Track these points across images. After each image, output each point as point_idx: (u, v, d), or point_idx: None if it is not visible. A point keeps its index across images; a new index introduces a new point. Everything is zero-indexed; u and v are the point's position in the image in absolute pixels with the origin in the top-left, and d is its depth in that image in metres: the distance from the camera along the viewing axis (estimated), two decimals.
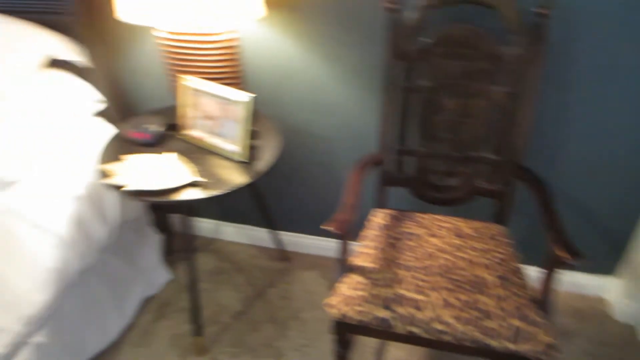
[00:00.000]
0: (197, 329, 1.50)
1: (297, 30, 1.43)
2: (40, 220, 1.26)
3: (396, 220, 1.38)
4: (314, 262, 1.88)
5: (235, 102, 1.24)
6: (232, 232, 1.99)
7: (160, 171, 1.23)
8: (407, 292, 1.15)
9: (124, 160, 1.28)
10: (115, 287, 1.57)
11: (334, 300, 1.18)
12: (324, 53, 1.45)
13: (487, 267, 1.21)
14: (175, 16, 1.14)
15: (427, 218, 1.39)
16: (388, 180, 1.42)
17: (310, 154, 1.68)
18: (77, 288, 1.43)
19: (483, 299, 1.12)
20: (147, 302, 1.72)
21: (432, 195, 1.41)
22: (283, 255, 1.88)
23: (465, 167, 1.35)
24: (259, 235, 1.96)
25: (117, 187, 1.17)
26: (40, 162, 1.30)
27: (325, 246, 1.89)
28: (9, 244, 1.18)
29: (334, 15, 1.38)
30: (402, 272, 1.20)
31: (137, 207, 1.61)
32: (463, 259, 1.24)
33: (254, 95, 1.22)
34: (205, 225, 2.01)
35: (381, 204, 1.46)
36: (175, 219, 2.00)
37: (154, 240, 1.76)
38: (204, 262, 1.90)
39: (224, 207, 1.94)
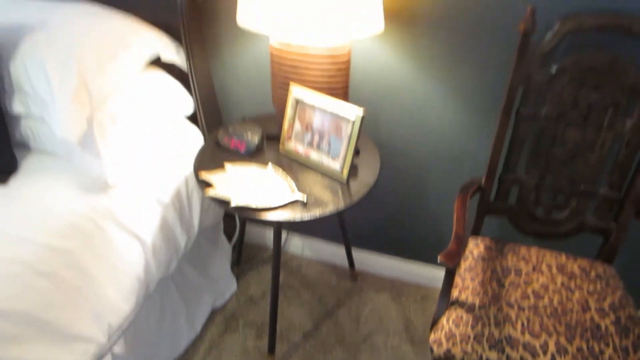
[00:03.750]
0: (272, 347, 1.45)
1: (411, 47, 1.37)
2: (131, 225, 1.22)
3: (496, 251, 1.30)
4: (384, 283, 1.81)
5: (344, 118, 1.19)
6: (298, 245, 1.93)
7: (261, 185, 1.18)
8: (518, 334, 1.08)
9: (222, 170, 1.23)
10: (188, 296, 1.53)
11: (436, 334, 1.12)
12: (436, 72, 1.39)
13: (600, 311, 1.13)
14: (293, 26, 1.10)
15: (529, 252, 1.31)
16: (489, 208, 1.34)
17: (399, 173, 1.61)
18: (154, 296, 1.39)
19: (602, 348, 1.05)
20: (214, 313, 1.67)
21: (534, 227, 1.34)
22: (353, 274, 1.82)
23: (575, 201, 1.27)
24: (326, 250, 1.89)
25: (221, 201, 1.12)
26: (132, 164, 1.27)
27: (398, 267, 1.82)
28: (105, 248, 1.14)
29: (455, 35, 1.32)
30: (509, 311, 1.13)
31: (216, 216, 1.57)
32: (572, 300, 1.16)
33: (363, 110, 1.16)
34: (271, 235, 1.96)
35: (476, 232, 1.39)
36: (249, 227, 1.95)
37: (225, 249, 1.71)
38: (270, 275, 1.85)
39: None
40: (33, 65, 1.14)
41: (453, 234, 1.16)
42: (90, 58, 1.17)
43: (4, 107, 1.19)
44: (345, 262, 1.89)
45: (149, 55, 1.34)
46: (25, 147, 1.27)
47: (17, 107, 1.19)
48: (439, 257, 1.06)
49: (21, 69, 1.15)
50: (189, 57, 1.44)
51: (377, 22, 1.18)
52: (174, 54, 1.43)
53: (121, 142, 1.25)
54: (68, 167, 1.21)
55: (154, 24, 1.46)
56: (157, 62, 1.44)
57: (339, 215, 1.61)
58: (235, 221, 1.83)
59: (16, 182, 1.13)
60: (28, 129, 1.22)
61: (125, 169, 1.23)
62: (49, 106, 1.13)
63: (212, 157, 1.32)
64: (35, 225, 1.03)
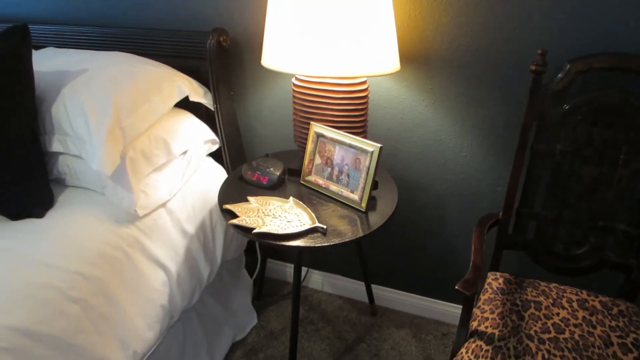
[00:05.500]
0: None
1: (426, 86, 1.44)
2: (157, 254, 1.27)
3: (516, 285, 1.30)
4: (404, 319, 1.81)
5: (363, 151, 1.24)
6: (318, 281, 1.95)
7: (282, 215, 1.23)
8: None
9: (245, 202, 1.29)
10: (210, 329, 1.55)
11: None
12: (451, 109, 1.44)
13: (623, 346, 1.12)
14: (315, 62, 1.18)
15: (549, 287, 1.31)
16: (507, 242, 1.35)
17: (417, 209, 1.65)
18: (177, 326, 1.42)
19: None
20: (234, 346, 1.69)
21: (553, 263, 1.33)
22: (372, 309, 1.82)
23: (594, 237, 1.28)
24: (346, 286, 1.91)
25: (243, 228, 1.17)
26: (159, 197, 1.33)
27: (418, 304, 1.81)
28: (133, 276, 1.19)
29: (469, 74, 1.38)
30: (529, 343, 1.12)
31: (238, 249, 1.61)
32: (594, 335, 1.15)
33: (380, 145, 1.21)
34: (291, 271, 1.99)
35: (495, 267, 1.39)
36: (270, 263, 1.99)
37: (247, 283, 1.74)
38: (290, 310, 1.86)
39: (315, 253, 1.91)
40: (73, 107, 1.23)
41: (471, 263, 1.17)
42: (125, 100, 1.26)
43: (44, 147, 1.28)
44: (365, 298, 1.89)
45: (178, 98, 1.43)
46: (60, 182, 1.35)
47: (56, 146, 1.28)
48: (456, 286, 1.08)
49: (62, 110, 1.25)
50: (215, 99, 1.54)
51: (393, 61, 1.24)
52: (201, 96, 1.52)
53: (150, 176, 1.32)
54: (100, 200, 1.28)
55: (184, 68, 1.57)
56: (186, 100, 1.54)
57: (358, 251, 1.63)
58: (256, 255, 1.86)
59: (51, 214, 1.21)
60: (65, 166, 1.30)
61: (153, 202, 1.29)
62: (86, 143, 1.21)
63: (235, 190, 1.37)
64: (67, 253, 1.09)
